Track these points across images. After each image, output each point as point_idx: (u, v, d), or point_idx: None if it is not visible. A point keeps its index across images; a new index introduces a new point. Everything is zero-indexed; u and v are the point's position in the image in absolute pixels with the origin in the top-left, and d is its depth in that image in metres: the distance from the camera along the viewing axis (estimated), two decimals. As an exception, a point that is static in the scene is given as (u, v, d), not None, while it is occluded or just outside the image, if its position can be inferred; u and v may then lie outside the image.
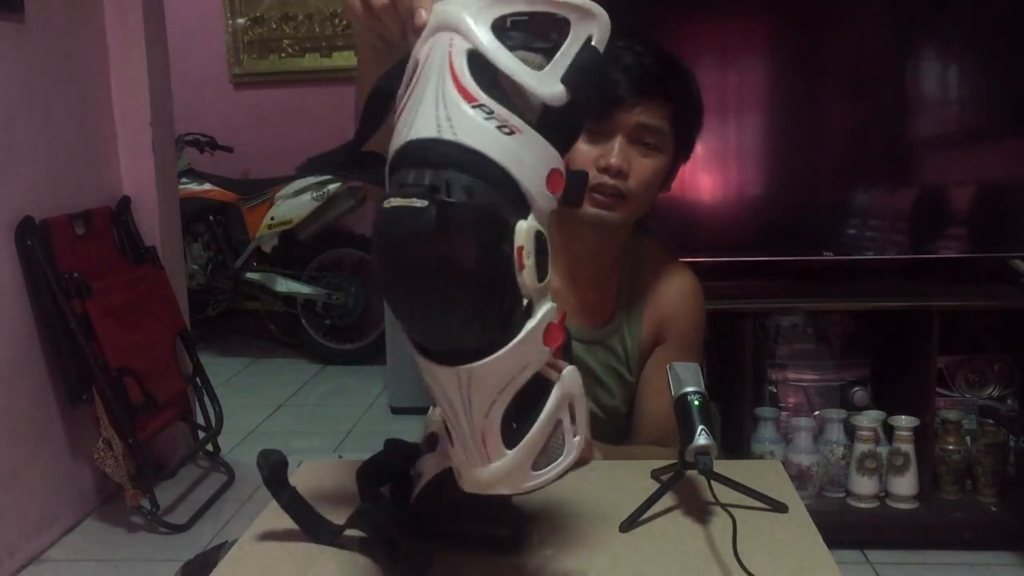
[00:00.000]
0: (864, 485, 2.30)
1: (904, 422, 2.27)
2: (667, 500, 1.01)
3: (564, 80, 0.65)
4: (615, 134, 1.17)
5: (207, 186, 4.17)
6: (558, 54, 0.66)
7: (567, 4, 0.65)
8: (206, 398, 2.92)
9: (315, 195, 3.96)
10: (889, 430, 2.31)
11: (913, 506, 2.30)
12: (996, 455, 2.31)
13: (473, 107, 0.62)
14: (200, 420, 2.91)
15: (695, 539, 0.94)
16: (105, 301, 2.47)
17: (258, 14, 4.57)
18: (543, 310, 0.65)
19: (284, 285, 4.11)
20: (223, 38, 4.60)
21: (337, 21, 4.51)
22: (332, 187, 3.96)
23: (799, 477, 2.29)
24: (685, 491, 1.03)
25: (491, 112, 0.63)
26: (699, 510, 0.99)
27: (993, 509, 2.31)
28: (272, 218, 4.03)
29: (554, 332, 0.66)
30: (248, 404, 3.55)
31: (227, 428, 2.97)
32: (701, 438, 0.96)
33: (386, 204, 0.63)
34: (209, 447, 2.95)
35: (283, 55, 4.58)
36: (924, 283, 2.36)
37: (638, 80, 1.16)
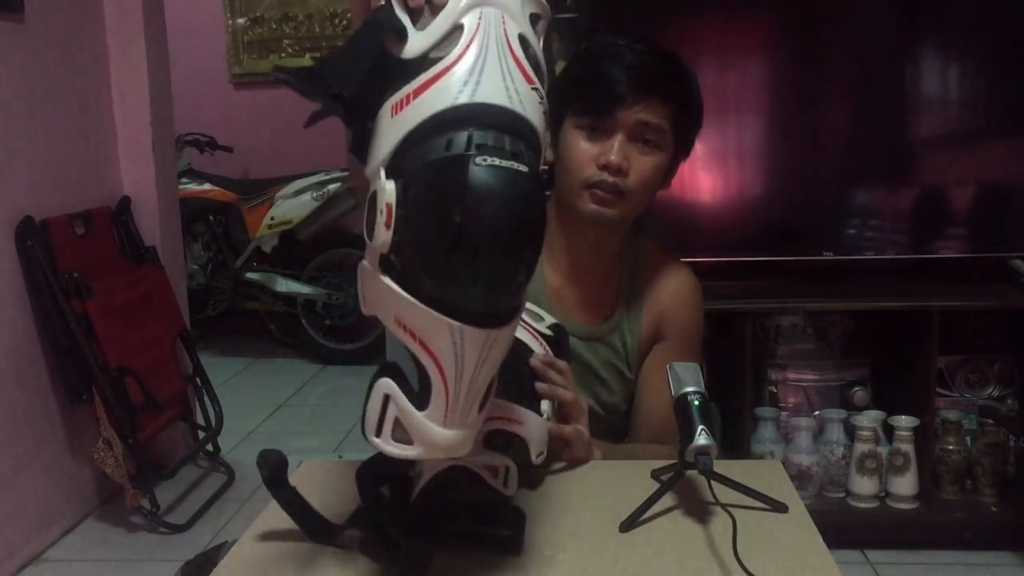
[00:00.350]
0: (864, 485, 2.30)
1: (904, 422, 2.27)
2: (667, 500, 1.01)
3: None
4: (615, 132, 1.18)
5: (207, 186, 4.16)
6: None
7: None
8: (206, 398, 2.92)
9: (315, 195, 3.96)
10: (889, 430, 2.31)
11: (913, 506, 2.30)
12: (996, 455, 2.31)
13: (532, 88, 0.68)
14: (200, 420, 2.91)
15: (695, 539, 0.94)
16: (105, 301, 2.47)
17: (258, 14, 4.57)
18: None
19: (284, 285, 4.11)
20: (223, 38, 4.59)
21: (337, 21, 4.51)
22: (332, 187, 3.96)
23: (799, 477, 2.28)
24: (685, 491, 1.03)
25: (543, 98, 0.69)
26: (699, 510, 0.99)
27: (993, 509, 2.31)
28: (272, 218, 4.03)
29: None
30: (248, 404, 3.55)
31: (227, 428, 2.97)
32: (701, 438, 0.96)
33: (483, 161, 0.64)
34: (209, 447, 2.95)
35: (283, 55, 4.58)
36: (924, 283, 2.36)
37: (639, 78, 1.17)
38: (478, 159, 0.64)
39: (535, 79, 0.69)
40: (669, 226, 2.32)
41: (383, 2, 0.71)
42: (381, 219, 0.66)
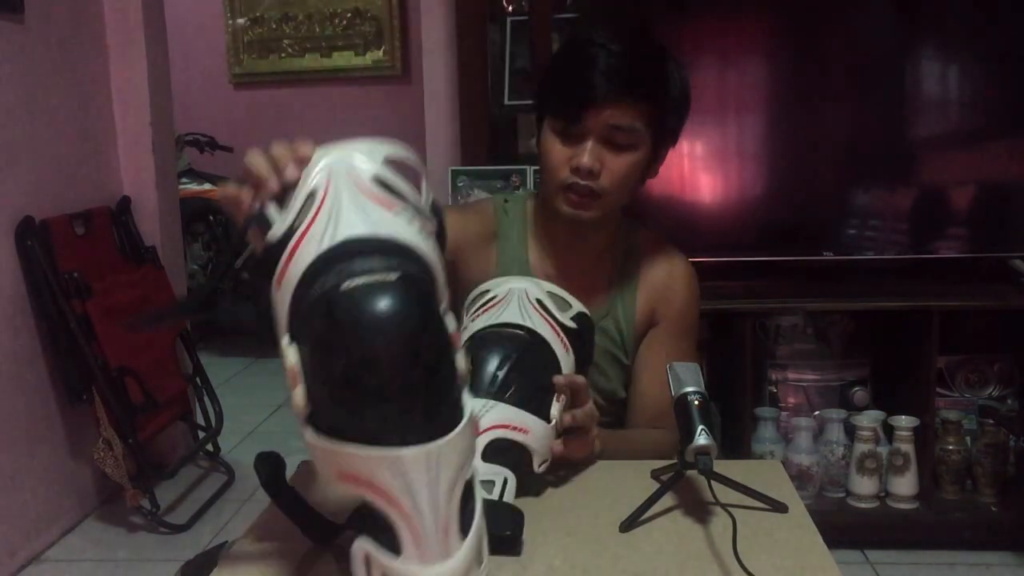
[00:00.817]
0: (864, 485, 2.30)
1: (904, 422, 2.27)
2: (667, 500, 1.01)
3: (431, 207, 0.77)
4: (587, 135, 1.17)
5: (207, 186, 4.16)
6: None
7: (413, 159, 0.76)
8: (206, 398, 2.92)
9: (315, 195, 3.96)
10: (889, 430, 2.31)
11: (913, 506, 2.30)
12: (996, 455, 2.31)
13: (396, 213, 0.70)
14: (200, 420, 2.91)
15: (695, 539, 0.94)
16: (105, 301, 2.47)
17: (258, 14, 4.57)
18: (470, 402, 0.71)
19: (284, 285, 4.10)
20: (223, 38, 4.60)
21: (337, 21, 4.51)
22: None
23: (799, 477, 2.29)
24: (685, 491, 1.03)
25: (418, 216, 0.72)
26: (699, 510, 0.99)
27: (993, 509, 2.31)
28: (272, 218, 4.02)
29: (476, 426, 0.72)
30: (248, 404, 3.55)
31: (227, 428, 2.96)
32: (701, 438, 0.96)
33: (347, 286, 0.65)
34: (209, 447, 2.95)
35: (283, 55, 4.59)
36: (924, 283, 2.36)
37: (609, 82, 1.16)
38: (342, 286, 0.65)
39: (399, 203, 0.71)
40: (669, 226, 2.33)
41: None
42: (289, 382, 0.67)
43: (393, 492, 0.64)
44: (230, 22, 4.59)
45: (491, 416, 0.96)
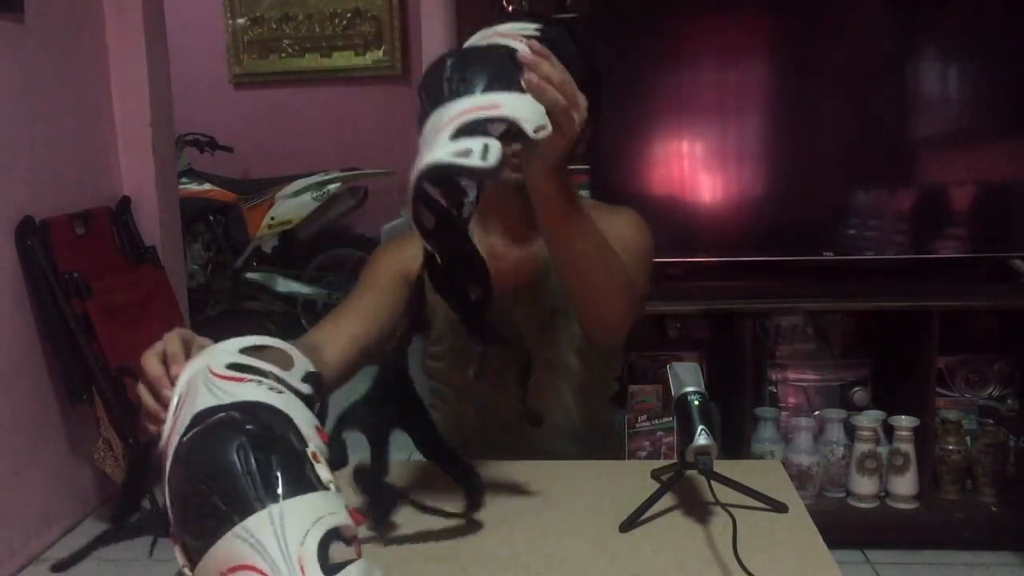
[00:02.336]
0: (864, 485, 2.30)
1: (904, 422, 2.27)
2: (667, 500, 1.01)
3: (303, 379, 0.85)
4: None
5: (207, 186, 4.16)
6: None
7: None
8: (206, 398, 2.91)
9: (315, 195, 3.96)
10: (889, 430, 2.31)
11: (913, 506, 2.30)
12: (996, 455, 2.31)
13: (242, 382, 0.78)
14: (200, 420, 2.91)
15: (695, 539, 0.94)
16: (105, 301, 2.47)
17: (258, 14, 4.57)
18: (342, 497, 0.75)
19: (284, 285, 4.11)
20: (223, 38, 4.59)
21: (337, 21, 4.51)
22: (332, 187, 3.96)
23: (799, 477, 2.28)
24: (685, 491, 1.03)
25: (260, 380, 0.79)
26: (699, 510, 0.99)
27: (993, 509, 2.31)
28: (272, 218, 4.03)
29: (357, 516, 0.75)
30: (248, 404, 3.54)
31: (227, 428, 2.96)
32: (701, 438, 0.96)
33: (186, 438, 0.75)
34: (209, 447, 2.94)
35: (283, 55, 4.58)
36: (924, 283, 2.36)
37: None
38: (184, 439, 0.74)
39: (252, 377, 0.80)
40: (669, 226, 2.33)
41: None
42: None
43: (253, 560, 0.67)
44: (230, 22, 4.59)
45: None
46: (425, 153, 0.84)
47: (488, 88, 0.88)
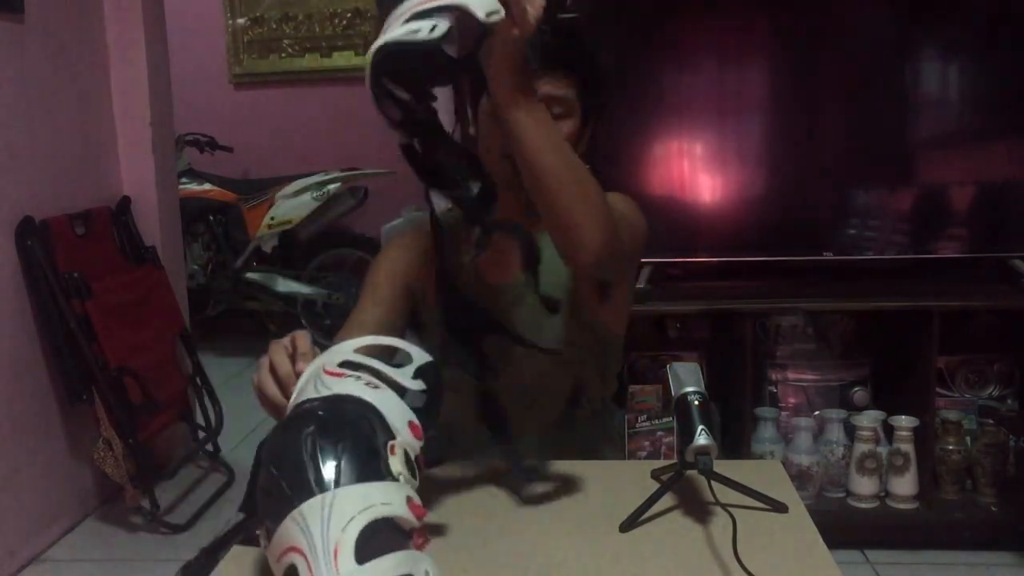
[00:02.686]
0: (864, 485, 2.30)
1: (904, 422, 2.27)
2: (667, 500, 1.01)
3: (414, 376, 0.92)
4: None
5: (207, 186, 4.16)
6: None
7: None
8: (206, 398, 2.92)
9: (315, 195, 3.96)
10: (889, 430, 2.31)
11: (913, 506, 2.30)
12: (996, 455, 2.31)
13: (342, 377, 0.86)
14: (200, 420, 2.91)
15: (695, 539, 0.94)
16: (105, 301, 2.47)
17: (258, 14, 4.57)
18: (410, 486, 0.80)
19: (284, 285, 4.11)
20: (223, 38, 4.59)
21: (337, 21, 4.51)
22: (332, 187, 3.96)
23: (799, 477, 2.28)
24: (685, 491, 1.03)
25: (359, 376, 0.87)
26: (699, 510, 0.99)
27: (993, 509, 2.31)
28: (272, 218, 4.03)
29: (417, 509, 0.78)
30: (248, 404, 3.51)
31: (227, 428, 2.96)
32: (701, 438, 0.96)
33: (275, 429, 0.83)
34: (209, 447, 2.95)
35: (283, 55, 4.58)
36: (924, 283, 2.36)
37: (540, 56, 1.19)
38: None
39: (352, 373, 0.88)
40: (669, 226, 2.33)
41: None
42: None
43: (299, 542, 0.72)
44: (230, 22, 4.59)
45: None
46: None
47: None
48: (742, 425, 2.31)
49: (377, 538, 0.72)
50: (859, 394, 2.40)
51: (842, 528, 2.26)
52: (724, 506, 0.93)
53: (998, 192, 2.38)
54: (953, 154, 2.42)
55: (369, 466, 0.76)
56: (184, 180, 3.96)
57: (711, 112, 2.39)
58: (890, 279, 2.43)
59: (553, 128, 1.04)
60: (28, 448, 2.40)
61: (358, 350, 0.92)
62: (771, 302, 2.33)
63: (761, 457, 2.30)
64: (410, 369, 0.91)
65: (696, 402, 1.00)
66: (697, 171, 2.42)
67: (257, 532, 0.81)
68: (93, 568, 2.39)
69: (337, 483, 0.74)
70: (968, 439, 2.34)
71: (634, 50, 2.34)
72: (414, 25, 0.85)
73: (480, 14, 0.86)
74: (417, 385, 0.90)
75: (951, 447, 2.31)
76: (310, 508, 0.72)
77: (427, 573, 0.74)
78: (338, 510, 0.72)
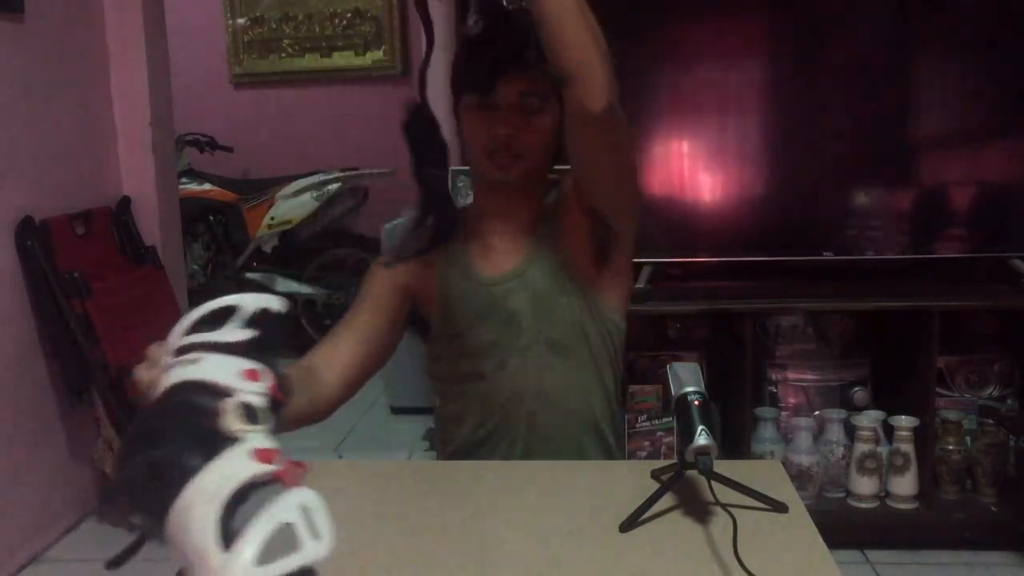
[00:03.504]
0: (864, 485, 2.30)
1: (904, 422, 2.27)
2: (667, 500, 1.01)
3: (245, 325, 0.85)
4: (501, 104, 1.25)
5: (207, 186, 4.16)
6: None
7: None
8: (206, 398, 2.91)
9: (315, 195, 3.96)
10: (889, 430, 2.31)
11: (913, 506, 2.30)
12: (996, 455, 2.31)
13: (168, 371, 0.80)
14: (200, 420, 2.91)
15: (695, 539, 0.94)
16: (105, 301, 2.47)
17: (258, 14, 4.57)
18: (250, 440, 0.75)
19: (284, 285, 4.11)
20: (223, 38, 4.60)
21: (337, 21, 4.51)
22: (332, 187, 3.96)
23: (799, 477, 2.28)
24: (685, 491, 1.03)
25: (184, 360, 0.80)
26: (699, 510, 0.99)
27: (993, 509, 2.31)
28: (272, 218, 4.03)
29: (264, 454, 0.75)
30: (248, 404, 3.54)
31: (227, 428, 2.96)
32: (701, 438, 0.96)
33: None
34: (209, 447, 2.94)
35: (283, 55, 4.59)
36: (924, 283, 2.36)
37: (514, 55, 1.24)
38: None
39: (175, 361, 0.81)
40: (669, 226, 2.33)
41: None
42: None
43: (183, 562, 0.70)
44: (230, 22, 4.59)
45: None
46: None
47: None
48: (742, 425, 2.31)
49: (240, 511, 0.70)
50: (859, 394, 2.40)
51: (842, 528, 2.25)
52: (724, 506, 0.93)
53: (998, 192, 2.38)
54: (953, 154, 2.42)
55: (205, 445, 0.74)
56: (184, 180, 3.96)
57: (711, 112, 2.39)
58: (890, 279, 2.43)
59: None
60: (28, 448, 2.40)
61: (187, 330, 0.86)
62: (771, 302, 2.33)
63: (761, 457, 2.30)
64: (237, 321, 0.85)
65: (696, 402, 1.00)
66: (697, 171, 2.42)
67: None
68: (93, 568, 2.39)
69: (175, 499, 0.72)
70: (968, 439, 2.34)
71: (634, 50, 2.34)
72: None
73: None
74: (243, 335, 0.84)
75: (951, 447, 2.31)
76: (171, 528, 0.71)
77: (303, 508, 0.71)
78: (194, 517, 0.70)
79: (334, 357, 1.27)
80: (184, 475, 0.71)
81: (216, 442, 0.73)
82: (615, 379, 1.39)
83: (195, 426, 0.75)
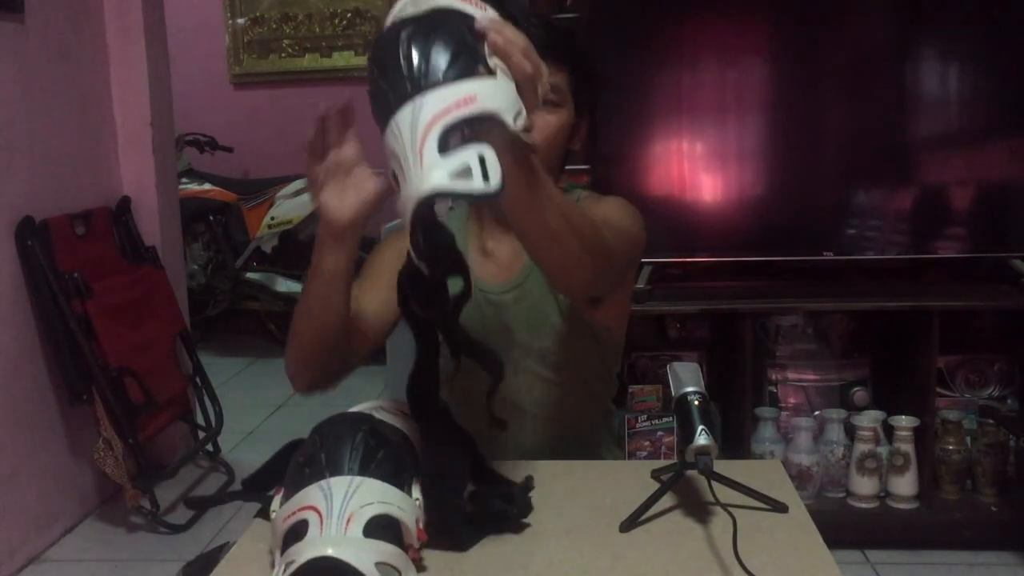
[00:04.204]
0: (864, 485, 2.30)
1: (904, 422, 2.27)
2: (667, 500, 1.01)
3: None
4: None
5: (207, 186, 4.16)
6: None
7: None
8: (206, 398, 2.92)
9: (315, 195, 3.96)
10: (889, 430, 2.31)
11: (913, 506, 2.30)
12: (996, 455, 2.31)
13: None
14: (200, 420, 2.91)
15: (695, 539, 0.94)
16: (105, 301, 2.47)
17: (258, 14, 4.57)
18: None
19: (284, 285, 4.11)
20: (223, 38, 4.59)
21: (337, 21, 4.51)
22: (332, 187, 3.96)
23: (799, 477, 2.28)
24: (685, 491, 1.03)
25: None
26: (699, 510, 0.99)
27: (993, 509, 2.31)
28: (272, 218, 4.03)
29: (420, 531, 0.88)
30: (248, 404, 3.55)
31: (227, 428, 2.96)
32: (701, 438, 0.96)
33: None
34: (209, 447, 2.95)
35: (283, 55, 4.58)
36: (924, 283, 2.36)
37: (536, 47, 1.19)
38: None
39: None
40: (669, 226, 2.33)
41: None
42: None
43: (318, 503, 0.80)
44: (230, 22, 4.59)
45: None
46: (413, 168, 0.77)
47: (453, 67, 0.80)
48: (742, 425, 2.31)
49: (382, 529, 0.79)
50: (859, 394, 2.40)
51: (842, 528, 2.26)
52: (724, 506, 0.93)
53: (998, 192, 2.38)
54: (953, 154, 2.42)
55: (397, 479, 0.84)
56: (184, 180, 3.96)
57: (711, 112, 2.39)
58: (890, 279, 2.43)
59: (550, 191, 0.98)
60: (28, 448, 2.40)
61: None
62: (771, 302, 2.33)
63: (761, 457, 2.30)
64: None
65: (696, 402, 1.00)
66: (697, 171, 2.42)
67: (271, 494, 0.88)
68: (93, 568, 2.39)
69: (366, 475, 0.83)
70: (968, 439, 2.34)
71: (634, 50, 2.34)
72: (458, 160, 0.76)
73: (509, 121, 0.80)
74: None
75: (951, 447, 2.31)
76: (338, 482, 0.80)
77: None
78: (363, 492, 0.79)
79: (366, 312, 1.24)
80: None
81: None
82: (609, 391, 1.39)
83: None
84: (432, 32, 0.82)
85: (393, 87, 0.83)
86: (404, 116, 0.79)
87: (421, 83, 0.80)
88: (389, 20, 0.88)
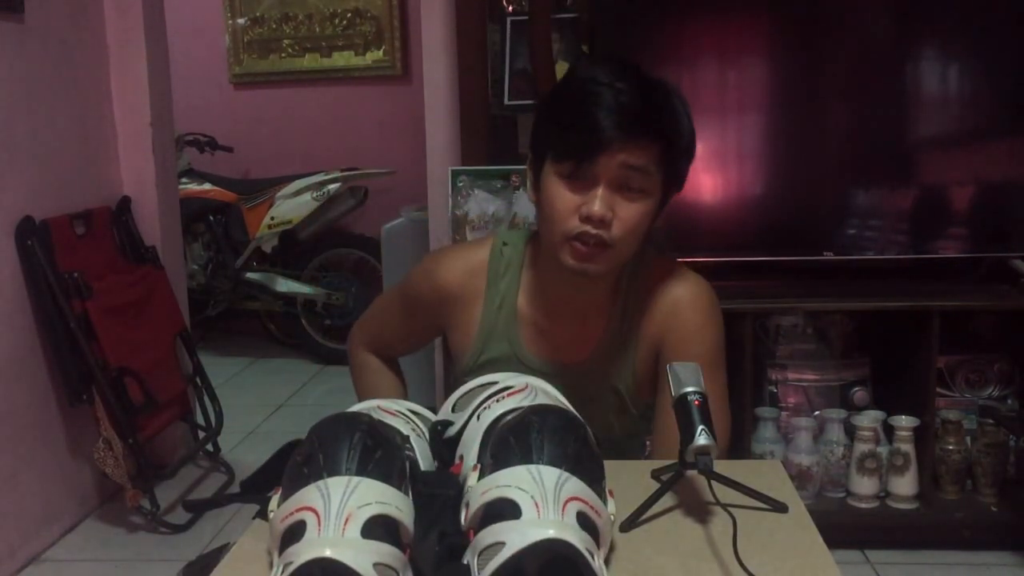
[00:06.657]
0: (864, 485, 2.30)
1: (904, 422, 2.27)
2: (667, 500, 1.01)
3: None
4: (598, 179, 1.11)
5: (207, 186, 4.16)
6: None
7: None
8: (206, 398, 2.92)
9: (315, 195, 3.96)
10: (889, 430, 2.31)
11: (913, 506, 2.30)
12: (996, 455, 2.31)
13: (396, 416, 1.00)
14: (200, 420, 2.91)
15: (695, 539, 0.94)
16: (105, 301, 2.47)
17: (258, 14, 4.56)
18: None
19: (284, 285, 4.11)
20: (223, 38, 4.59)
21: (337, 21, 4.51)
22: (332, 187, 3.96)
23: (799, 477, 2.29)
24: (685, 491, 1.03)
25: (409, 419, 1.01)
26: (699, 510, 0.99)
27: (993, 509, 2.31)
28: (272, 218, 4.03)
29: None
30: (248, 404, 3.55)
31: (227, 428, 2.96)
32: (701, 438, 0.95)
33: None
34: (209, 447, 2.95)
35: (283, 55, 4.58)
36: (924, 283, 2.36)
37: (620, 122, 1.09)
38: None
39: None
40: (670, 226, 2.32)
41: None
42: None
43: (316, 504, 0.79)
44: (230, 22, 4.59)
45: (569, 487, 0.81)
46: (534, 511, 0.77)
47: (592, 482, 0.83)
48: (742, 425, 2.31)
49: (380, 529, 0.79)
50: (859, 394, 2.40)
51: (842, 528, 2.26)
52: (724, 506, 0.93)
53: (998, 192, 2.38)
54: (953, 154, 2.42)
55: (393, 475, 0.84)
56: (184, 180, 3.96)
57: (711, 112, 2.39)
58: (890, 279, 2.43)
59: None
60: (28, 448, 2.40)
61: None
62: (771, 302, 2.33)
63: (761, 457, 2.30)
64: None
65: (696, 402, 0.99)
66: (697, 171, 2.40)
67: (269, 495, 0.88)
68: (93, 568, 2.39)
69: (364, 474, 0.82)
70: (968, 439, 2.34)
71: (634, 50, 2.34)
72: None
73: (604, 551, 0.84)
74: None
75: (951, 447, 2.31)
76: (336, 482, 0.80)
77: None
78: (360, 492, 0.80)
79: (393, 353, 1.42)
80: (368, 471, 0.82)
81: (392, 477, 0.83)
82: (638, 446, 1.35)
83: (391, 455, 0.85)
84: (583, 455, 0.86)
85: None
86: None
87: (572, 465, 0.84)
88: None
